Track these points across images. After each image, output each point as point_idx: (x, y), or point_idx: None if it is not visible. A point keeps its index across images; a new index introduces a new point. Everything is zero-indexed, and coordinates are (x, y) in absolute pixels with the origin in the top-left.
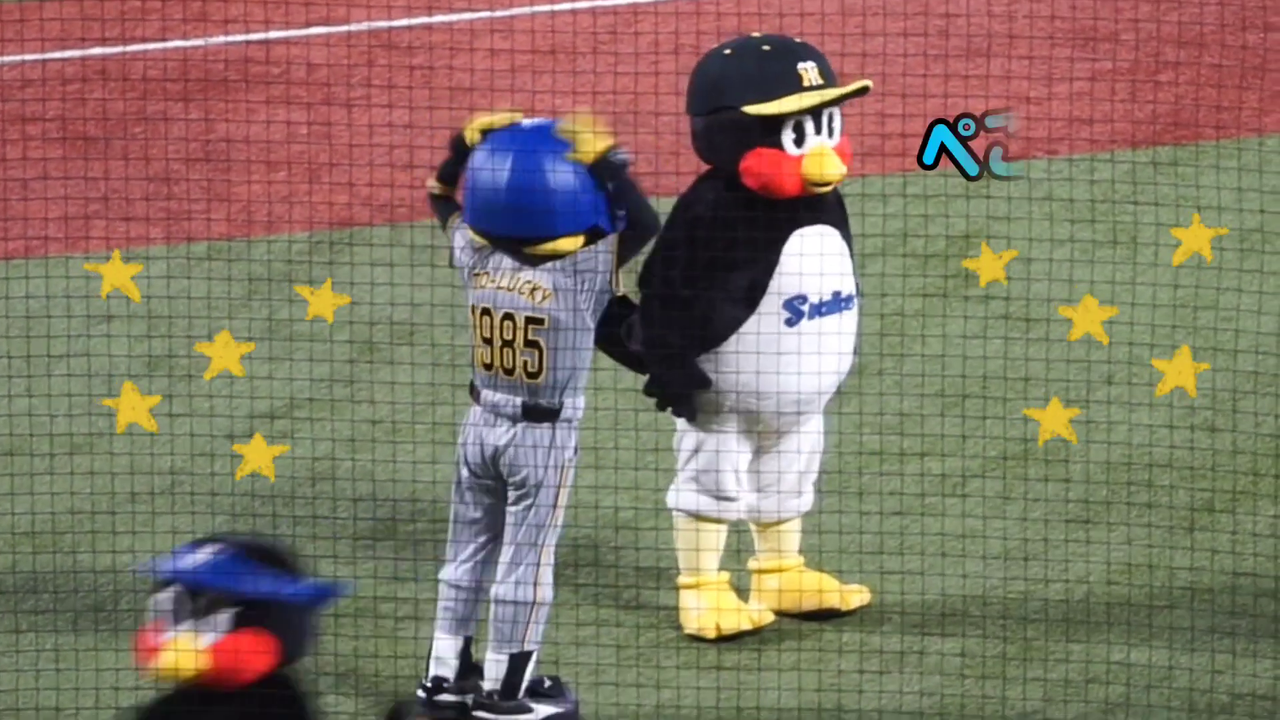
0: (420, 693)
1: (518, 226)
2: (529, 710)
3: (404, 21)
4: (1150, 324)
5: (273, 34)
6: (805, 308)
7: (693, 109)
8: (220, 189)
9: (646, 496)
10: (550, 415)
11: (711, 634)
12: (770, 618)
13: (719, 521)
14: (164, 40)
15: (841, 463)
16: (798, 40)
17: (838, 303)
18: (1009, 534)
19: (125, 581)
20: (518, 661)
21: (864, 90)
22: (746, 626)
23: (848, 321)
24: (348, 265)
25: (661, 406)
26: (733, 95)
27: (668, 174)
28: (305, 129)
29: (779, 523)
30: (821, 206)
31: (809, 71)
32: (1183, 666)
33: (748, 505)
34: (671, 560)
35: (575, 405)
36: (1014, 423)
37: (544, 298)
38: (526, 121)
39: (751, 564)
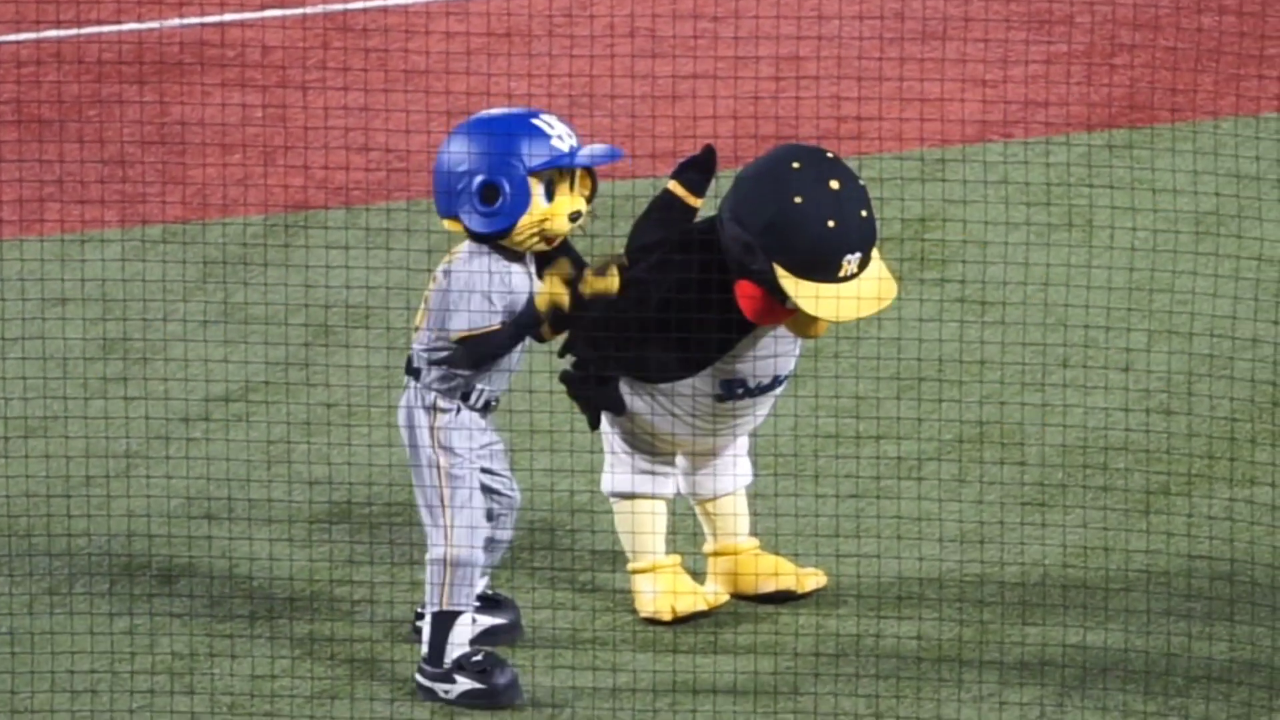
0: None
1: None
2: (450, 681)
3: (359, 4)
4: (1106, 307)
5: (228, 16)
6: (740, 390)
7: (746, 224)
8: (175, 172)
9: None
10: (414, 373)
11: (667, 617)
12: (725, 599)
13: (654, 499)
14: (119, 23)
15: (797, 445)
16: (867, 217)
17: (774, 384)
18: (965, 517)
19: (80, 565)
20: (439, 622)
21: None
22: (702, 608)
23: (771, 400)
24: (303, 248)
25: (571, 397)
26: (775, 252)
27: (622, 159)
28: (260, 112)
29: (716, 499)
30: None
31: (851, 264)
32: (1138, 649)
33: (685, 483)
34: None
35: (447, 376)
36: (969, 406)
37: (447, 261)
38: (499, 110)
39: (705, 547)
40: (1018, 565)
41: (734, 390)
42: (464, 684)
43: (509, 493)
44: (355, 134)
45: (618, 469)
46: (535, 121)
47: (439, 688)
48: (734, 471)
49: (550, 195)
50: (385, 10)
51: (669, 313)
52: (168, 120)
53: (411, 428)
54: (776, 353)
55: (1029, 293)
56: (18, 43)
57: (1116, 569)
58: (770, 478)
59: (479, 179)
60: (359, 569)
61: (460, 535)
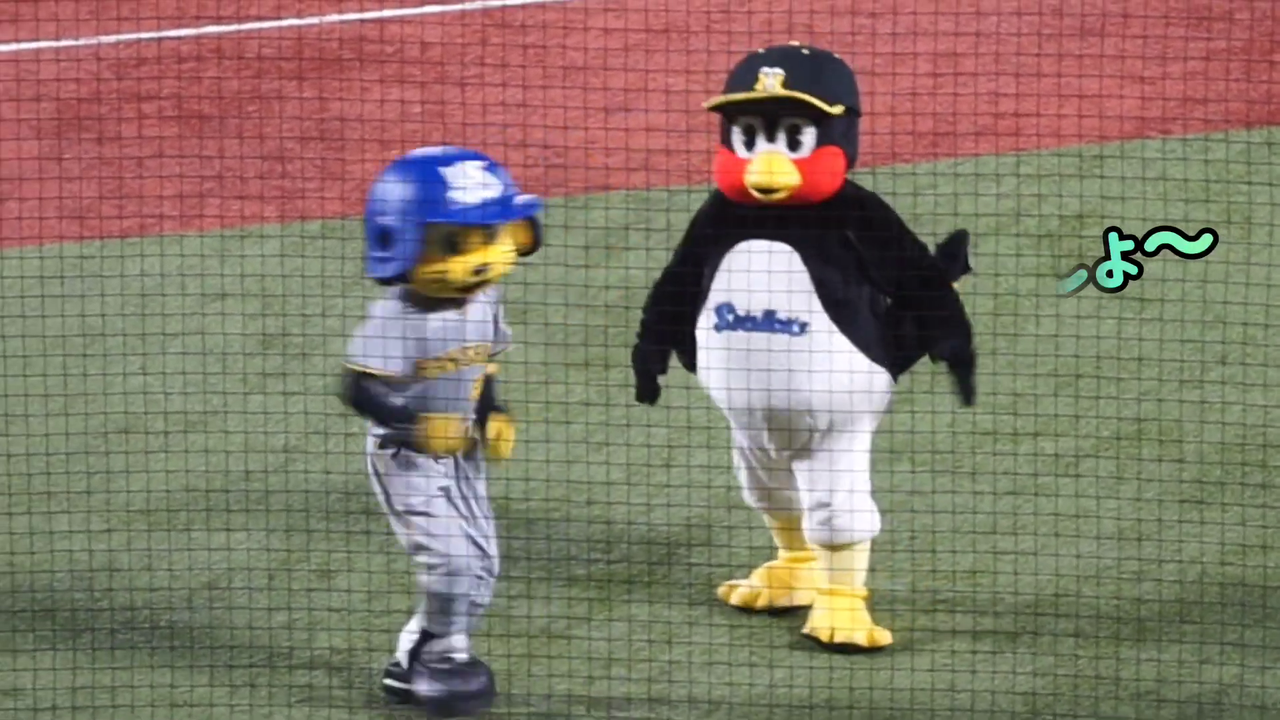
0: None
1: None
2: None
3: (518, 0)
4: (1265, 304)
5: (387, 13)
6: (730, 317)
7: None
8: (334, 167)
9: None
10: None
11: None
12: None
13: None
14: (279, 19)
15: (955, 442)
16: (805, 51)
17: (769, 322)
18: (1123, 514)
19: (239, 559)
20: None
21: (812, 108)
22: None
23: (779, 344)
24: None
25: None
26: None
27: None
28: (419, 108)
29: (830, 547)
30: (786, 222)
31: (767, 77)
32: None
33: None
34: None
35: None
36: (1127, 403)
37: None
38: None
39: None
40: (1176, 563)
41: (724, 316)
42: (427, 686)
43: (489, 554)
44: (513, 130)
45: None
46: (446, 170)
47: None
48: (829, 522)
49: (455, 247)
50: (543, 6)
51: (692, 244)
52: (327, 116)
53: (367, 473)
54: (768, 273)
55: (1187, 290)
56: (178, 39)
57: (1275, 567)
58: (928, 475)
59: (377, 221)
60: (515, 564)
61: (449, 563)
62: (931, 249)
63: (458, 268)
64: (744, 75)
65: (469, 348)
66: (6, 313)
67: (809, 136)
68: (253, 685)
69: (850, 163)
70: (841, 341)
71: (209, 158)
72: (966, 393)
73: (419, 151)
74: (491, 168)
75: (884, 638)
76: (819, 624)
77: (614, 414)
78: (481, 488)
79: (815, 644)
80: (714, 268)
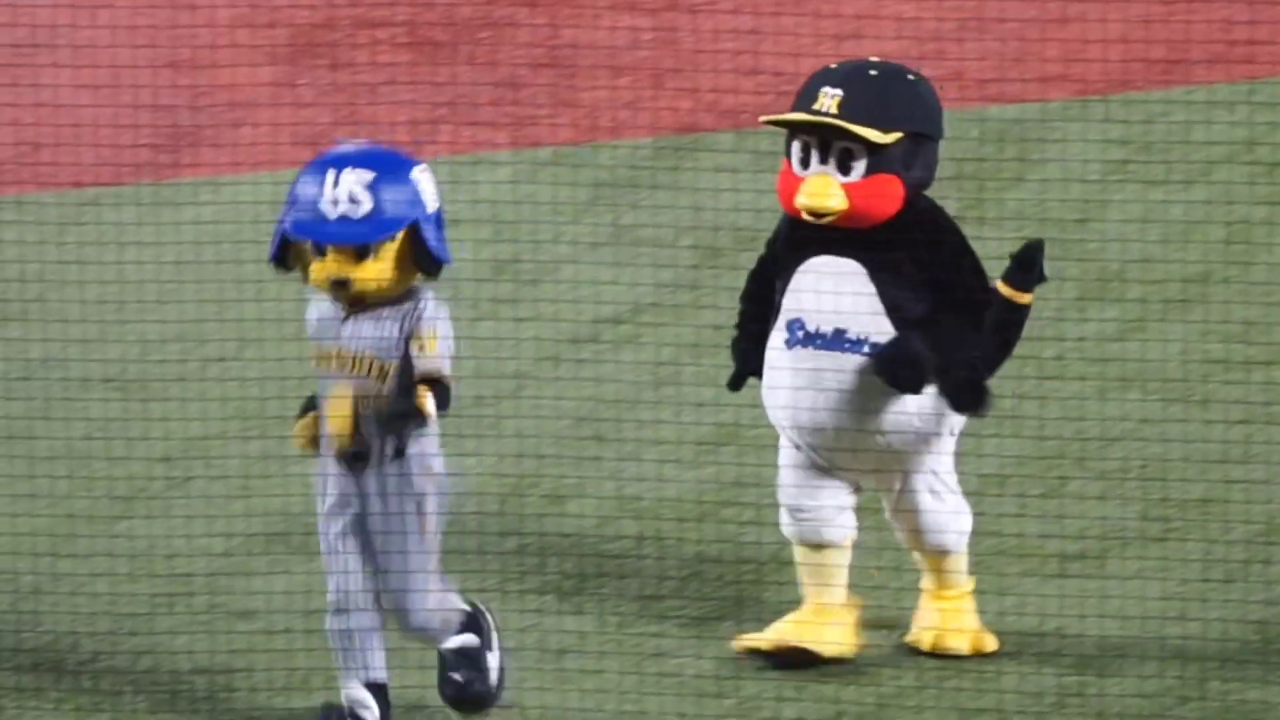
0: None
1: None
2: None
3: None
4: None
5: None
6: (800, 334)
7: None
8: (566, 94)
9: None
10: None
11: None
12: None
13: (803, 545)
14: None
15: (1185, 371)
16: (872, 71)
17: (839, 341)
18: None
19: (471, 484)
20: None
21: (861, 139)
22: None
23: (848, 364)
24: (691, 171)
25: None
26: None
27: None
28: (650, 34)
29: (926, 558)
30: (857, 238)
31: (825, 97)
32: None
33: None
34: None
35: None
36: None
37: None
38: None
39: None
40: None
41: (795, 333)
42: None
43: (340, 589)
44: (744, 57)
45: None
46: (307, 176)
47: None
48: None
49: (319, 252)
50: None
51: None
52: (558, 43)
53: None
54: (831, 294)
55: None
56: None
57: None
58: (1159, 403)
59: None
60: (746, 491)
61: (330, 597)
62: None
63: (315, 274)
64: (808, 92)
65: (348, 352)
66: (242, 238)
67: (860, 163)
68: (488, 611)
69: (916, 186)
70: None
71: (441, 84)
72: (961, 405)
73: (337, 149)
74: (375, 184)
75: (990, 644)
76: (925, 629)
77: None
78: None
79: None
80: (785, 282)
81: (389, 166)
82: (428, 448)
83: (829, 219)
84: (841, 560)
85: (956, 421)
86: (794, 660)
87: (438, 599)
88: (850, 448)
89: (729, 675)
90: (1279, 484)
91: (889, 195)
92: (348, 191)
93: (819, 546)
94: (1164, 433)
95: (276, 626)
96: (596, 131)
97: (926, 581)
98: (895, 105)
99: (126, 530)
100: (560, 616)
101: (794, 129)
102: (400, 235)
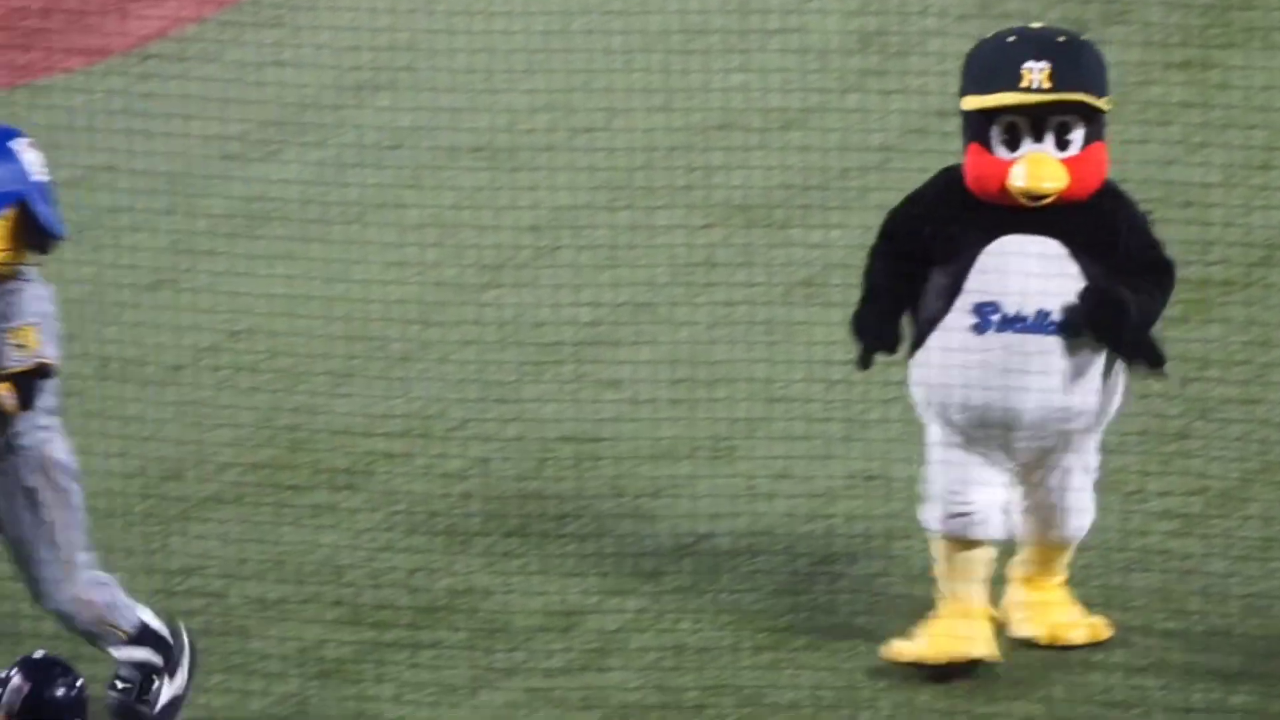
0: None
1: None
2: None
3: None
4: None
5: None
6: (996, 318)
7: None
8: None
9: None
10: None
11: (930, 659)
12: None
13: (954, 542)
14: None
15: None
16: (1061, 38)
17: (1041, 323)
18: None
19: (836, 256)
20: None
21: (1084, 105)
22: (961, 657)
23: (1052, 345)
24: None
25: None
26: (964, 85)
27: None
28: None
29: (1049, 547)
30: (1052, 217)
31: (1032, 73)
32: None
33: (996, 525)
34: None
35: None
36: None
37: None
38: None
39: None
40: None
41: (988, 317)
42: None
43: None
44: None
45: (928, 502)
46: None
47: None
48: (1063, 522)
49: None
50: None
51: (919, 239)
52: None
53: None
54: (1032, 275)
55: None
56: None
57: None
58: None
59: None
60: None
61: None
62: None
63: None
64: (1006, 70)
65: None
66: (610, 9)
67: (1078, 134)
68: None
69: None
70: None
71: None
72: (1147, 356)
73: None
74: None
75: (1104, 631)
76: (1039, 623)
77: (1212, 115)
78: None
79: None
80: (966, 264)
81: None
82: (45, 440)
83: (1048, 199)
84: (988, 559)
85: (1118, 403)
86: (955, 672)
87: (85, 591)
88: (1033, 432)
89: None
90: None
91: (1102, 166)
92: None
93: (972, 544)
94: None
95: (642, 396)
96: None
97: (1021, 570)
98: (1099, 68)
99: (494, 299)
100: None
101: (996, 110)
102: (8, 213)
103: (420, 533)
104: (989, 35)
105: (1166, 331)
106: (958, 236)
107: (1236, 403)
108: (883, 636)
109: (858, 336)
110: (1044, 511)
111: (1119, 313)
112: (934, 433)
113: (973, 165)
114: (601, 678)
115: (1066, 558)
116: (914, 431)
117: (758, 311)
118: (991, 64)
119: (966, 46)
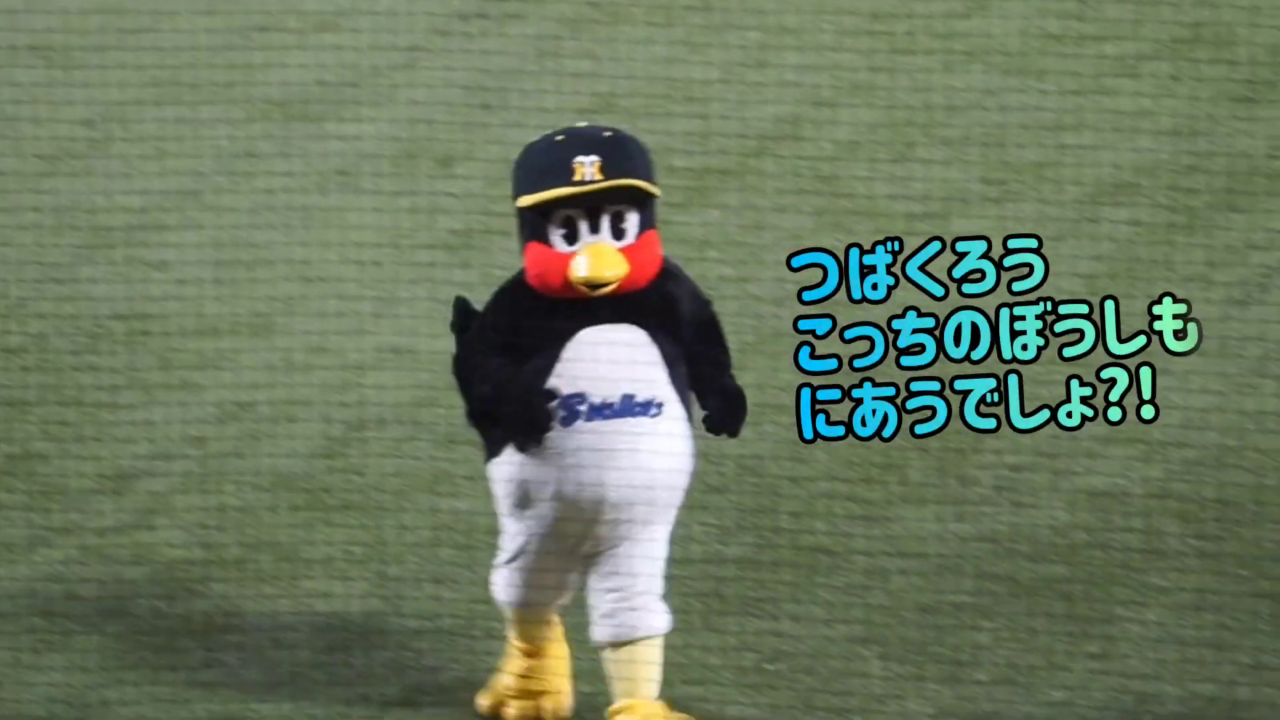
0: None
1: None
2: None
3: None
4: None
5: None
6: (583, 408)
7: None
8: None
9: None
10: None
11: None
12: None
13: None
14: None
15: (1024, 45)
16: (606, 133)
17: (628, 407)
18: (1178, 112)
19: (367, 148)
20: None
21: (636, 191)
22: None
23: (638, 426)
24: None
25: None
26: (518, 187)
27: None
28: None
29: (627, 643)
30: (629, 306)
31: (584, 165)
32: None
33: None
34: None
35: None
36: (1185, 8)
37: None
38: None
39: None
40: (1226, 156)
41: (575, 408)
42: None
43: None
44: None
45: (499, 576)
46: None
47: None
48: (643, 609)
49: None
50: None
51: (501, 340)
52: None
53: None
54: (617, 363)
55: None
56: None
57: None
58: (999, 75)
59: None
60: None
61: None
62: None
63: None
64: (558, 166)
65: None
66: None
67: (632, 222)
68: None
69: None
70: (683, 413)
71: None
72: (734, 425)
73: None
74: None
75: None
76: None
77: (713, 17)
78: None
79: None
80: (550, 361)
81: None
82: None
83: (608, 288)
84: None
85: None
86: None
87: None
88: (617, 514)
89: None
90: (1107, 149)
91: (657, 250)
92: None
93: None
94: (1004, 102)
95: (188, 277)
96: None
97: (622, 697)
98: (645, 158)
99: (51, 187)
100: None
101: (552, 206)
102: None
103: None
104: (535, 139)
105: (671, 216)
106: (538, 335)
107: (733, 281)
108: (412, 497)
109: (520, 409)
110: (617, 603)
111: (740, 406)
112: (510, 526)
113: (534, 262)
114: (151, 535)
115: (654, 659)
116: (439, 309)
117: (295, 199)
118: (543, 163)
119: None
